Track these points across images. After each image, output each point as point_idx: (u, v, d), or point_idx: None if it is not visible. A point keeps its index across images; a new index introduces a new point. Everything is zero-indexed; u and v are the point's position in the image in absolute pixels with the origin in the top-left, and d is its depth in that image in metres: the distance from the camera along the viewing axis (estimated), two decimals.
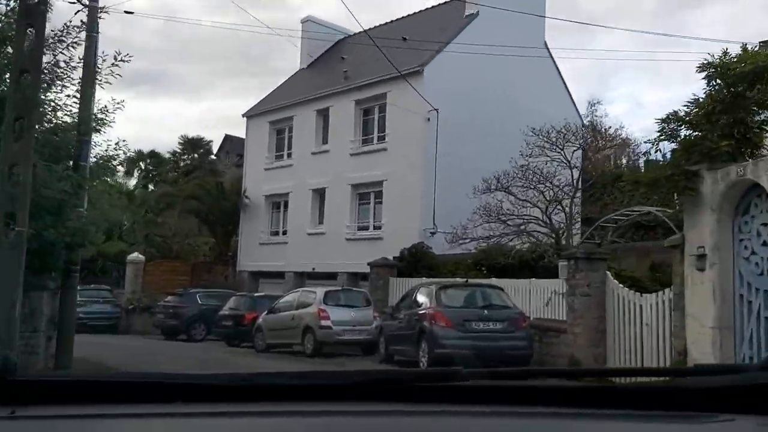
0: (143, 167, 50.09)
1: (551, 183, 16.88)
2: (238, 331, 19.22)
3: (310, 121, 26.21)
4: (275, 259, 26.57)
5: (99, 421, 1.18)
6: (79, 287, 24.88)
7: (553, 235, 16.36)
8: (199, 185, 28.88)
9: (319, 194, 25.83)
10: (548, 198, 16.72)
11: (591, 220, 16.71)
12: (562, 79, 26.01)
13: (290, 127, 27.54)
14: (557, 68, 26.02)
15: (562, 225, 16.68)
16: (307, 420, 1.20)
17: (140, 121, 75.33)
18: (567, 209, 16.27)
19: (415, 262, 18.31)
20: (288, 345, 15.72)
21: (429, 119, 21.88)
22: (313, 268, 24.90)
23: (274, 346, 16.31)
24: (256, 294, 21.18)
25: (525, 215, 16.84)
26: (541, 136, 17.20)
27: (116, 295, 26.43)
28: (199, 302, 22.75)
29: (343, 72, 25.12)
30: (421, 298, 12.14)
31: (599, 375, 1.80)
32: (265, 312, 16.90)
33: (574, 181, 16.52)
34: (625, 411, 1.26)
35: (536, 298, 13.98)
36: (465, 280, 13.09)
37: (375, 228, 23.56)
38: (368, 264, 19.09)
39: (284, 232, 27.29)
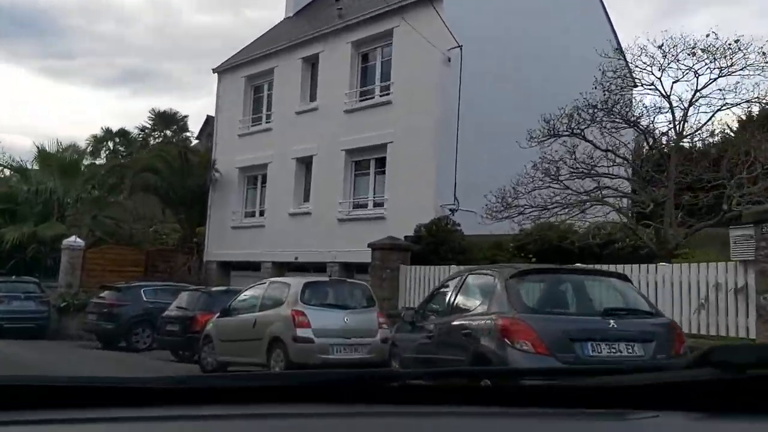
0: (111, 147, 44.66)
1: (640, 128, 11.52)
2: (189, 340, 13.83)
3: (295, 73, 20.83)
4: (250, 246, 21.20)
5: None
6: None
7: (644, 206, 10.97)
8: (159, 156, 23.40)
9: (305, 164, 20.47)
10: (641, 148, 11.36)
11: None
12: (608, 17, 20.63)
13: (270, 82, 22.14)
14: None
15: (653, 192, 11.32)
16: (254, 422, 1.18)
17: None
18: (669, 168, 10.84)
19: (437, 243, 12.96)
20: (248, 364, 10.30)
21: (449, 60, 16.54)
22: (296, 258, 19.56)
23: (229, 365, 10.91)
24: (214, 288, 15.72)
25: (606, 176, 11.43)
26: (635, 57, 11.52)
27: (48, 290, 20.94)
28: (144, 299, 17.34)
29: (338, 10, 19.74)
30: (472, 296, 6.64)
31: (540, 374, 1.71)
32: (217, 314, 11.49)
33: (676, 125, 11.06)
34: (551, 410, 1.27)
35: (668, 297, 8.80)
36: (556, 265, 7.52)
37: (375, 205, 18.21)
38: (369, 246, 13.75)
39: (261, 213, 21.91)
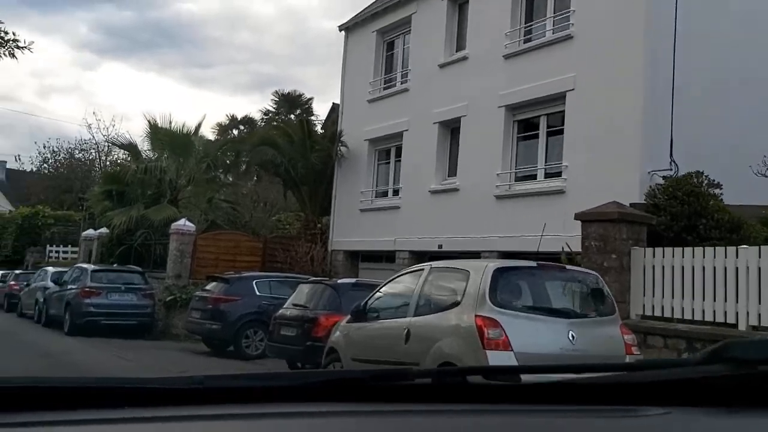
0: (236, 135, 42.84)
1: None
2: (309, 350, 10.18)
3: (438, 19, 16.82)
4: (382, 233, 17.51)
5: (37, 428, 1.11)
6: (92, 267, 16.89)
7: None
8: (278, 128, 20.23)
9: (450, 129, 16.45)
10: None
11: None
12: None
13: (407, 33, 18.29)
14: None
15: None
16: (263, 422, 1.18)
17: None
18: None
19: (690, 215, 8.45)
20: None
21: None
22: (440, 246, 15.62)
23: None
24: (342, 280, 11.85)
25: None
26: None
27: (155, 282, 18.26)
28: (257, 293, 13.99)
29: None
30: None
31: (544, 372, 1.57)
32: (348, 316, 7.59)
33: None
34: (562, 406, 1.27)
35: None
36: None
37: (548, 176, 13.86)
38: (578, 218, 9.41)
39: (395, 192, 18.13)
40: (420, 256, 16.80)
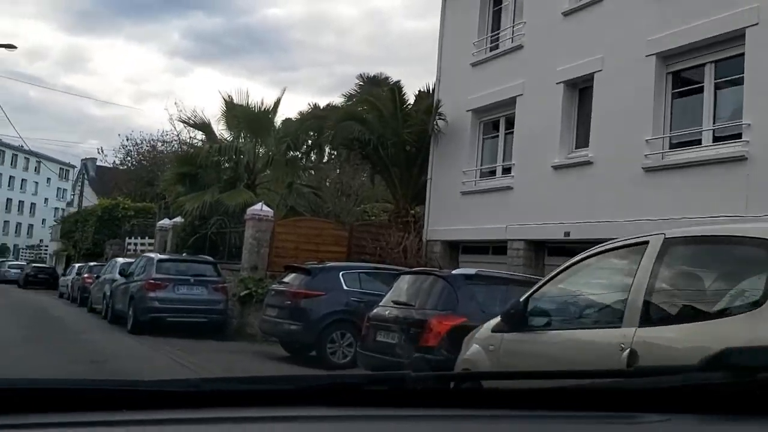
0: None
1: None
2: (418, 363, 7.47)
3: None
4: (488, 219, 14.70)
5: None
6: (158, 256, 14.82)
7: None
8: (365, 101, 17.73)
9: (579, 89, 13.44)
10: None
11: None
12: None
13: None
14: None
15: None
16: (260, 426, 1.18)
17: None
18: None
19: None
20: None
21: None
22: (567, 233, 12.69)
23: None
24: (458, 271, 8.89)
25: None
26: None
27: (229, 274, 16.10)
28: (345, 287, 11.46)
29: None
30: None
31: (540, 377, 1.59)
32: (492, 322, 4.80)
33: None
34: (563, 413, 1.27)
35: None
36: None
37: (720, 139, 10.65)
38: None
39: (506, 170, 15.23)
40: (538, 247, 13.92)
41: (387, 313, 8.37)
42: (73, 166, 78.13)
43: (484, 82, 15.62)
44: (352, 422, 1.21)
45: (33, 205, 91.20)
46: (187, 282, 14.72)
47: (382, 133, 17.34)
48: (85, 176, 55.92)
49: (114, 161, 45.70)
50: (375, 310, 8.73)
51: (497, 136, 15.74)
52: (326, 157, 20.47)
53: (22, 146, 77.84)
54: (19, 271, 42.83)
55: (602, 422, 1.25)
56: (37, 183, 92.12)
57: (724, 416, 1.22)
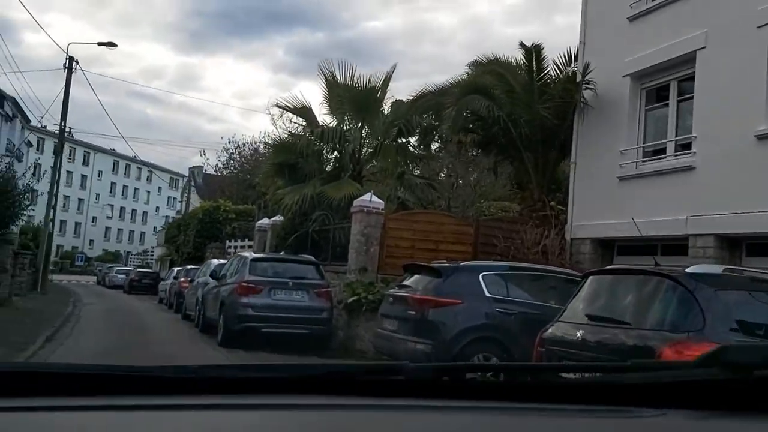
0: None
1: None
2: None
3: None
4: (659, 210, 11.49)
5: (33, 414, 1.12)
6: (252, 255, 12.73)
7: None
8: (492, 72, 14.84)
9: None
10: None
11: None
12: None
13: None
14: None
15: None
16: (255, 413, 1.18)
17: None
18: None
19: None
20: None
21: None
22: None
23: None
24: (696, 268, 5.82)
25: None
26: None
27: (333, 276, 13.60)
28: (488, 294, 8.58)
29: None
30: None
31: (537, 371, 1.64)
32: None
33: None
34: (558, 406, 1.27)
35: None
36: None
37: None
38: None
39: (682, 147, 11.90)
40: (733, 244, 10.57)
41: (578, 334, 5.45)
42: (183, 176, 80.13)
43: (647, 39, 12.39)
44: (347, 411, 1.20)
45: (145, 213, 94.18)
46: (286, 286, 12.33)
47: (513, 110, 14.41)
48: (192, 184, 56.24)
49: (216, 164, 44.87)
50: (552, 329, 5.83)
51: (667, 104, 12.42)
52: (439, 145, 17.70)
53: (135, 157, 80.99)
54: (124, 276, 42.72)
55: (598, 416, 1.24)
56: (149, 192, 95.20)
57: (719, 412, 1.22)
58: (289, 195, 15.75)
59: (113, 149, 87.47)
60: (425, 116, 16.82)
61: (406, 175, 16.75)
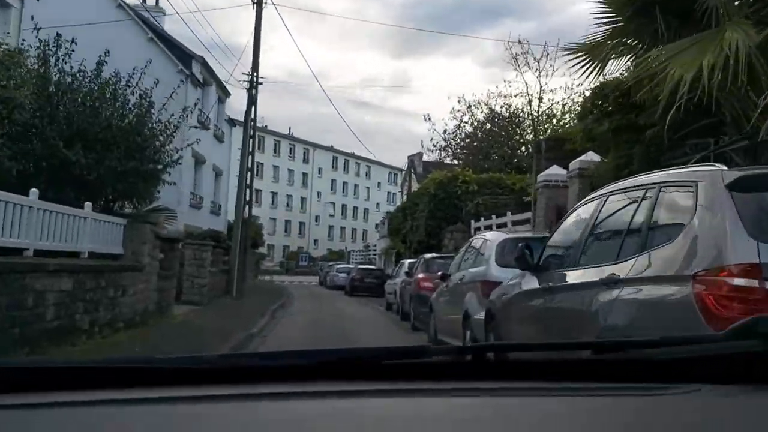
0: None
1: None
2: None
3: None
4: None
5: (77, 408, 1.10)
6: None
7: None
8: None
9: None
10: None
11: None
12: None
13: None
14: None
15: None
16: (276, 402, 1.14)
17: None
18: None
19: None
20: None
21: None
22: None
23: None
24: None
25: None
26: None
27: None
28: None
29: None
30: None
31: (565, 348, 1.55)
32: None
33: None
34: (589, 384, 1.23)
35: None
36: None
37: None
38: None
39: None
40: None
41: None
42: (401, 170, 75.32)
43: None
44: (370, 397, 1.16)
45: (366, 210, 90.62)
46: None
47: None
48: (413, 171, 49.56)
49: (444, 129, 36.46)
50: None
51: None
52: None
53: (353, 153, 76.99)
54: (346, 275, 36.14)
55: (631, 393, 1.19)
56: (368, 188, 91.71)
57: (755, 386, 1.18)
58: (679, 61, 6.30)
59: (332, 146, 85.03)
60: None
61: None
